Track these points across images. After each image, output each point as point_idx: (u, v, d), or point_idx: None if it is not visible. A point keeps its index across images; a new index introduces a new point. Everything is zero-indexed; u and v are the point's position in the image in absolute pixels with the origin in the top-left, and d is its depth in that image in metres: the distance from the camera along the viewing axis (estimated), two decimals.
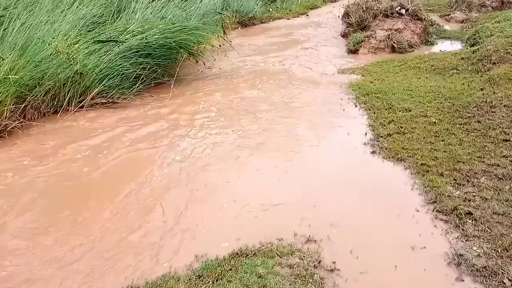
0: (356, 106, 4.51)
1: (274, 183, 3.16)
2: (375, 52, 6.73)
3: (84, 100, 4.70)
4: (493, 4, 9.09)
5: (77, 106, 4.66)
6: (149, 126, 4.17)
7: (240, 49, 7.17)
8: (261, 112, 4.46)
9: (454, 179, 3.03)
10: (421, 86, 4.83)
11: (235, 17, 9.21)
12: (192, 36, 5.55)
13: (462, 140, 3.52)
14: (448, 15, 9.09)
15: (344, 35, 7.74)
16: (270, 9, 10.60)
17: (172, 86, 5.13)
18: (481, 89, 4.47)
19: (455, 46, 6.97)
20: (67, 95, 4.67)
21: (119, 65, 4.93)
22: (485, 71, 5.02)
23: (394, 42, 6.70)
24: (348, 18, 7.77)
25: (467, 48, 6.25)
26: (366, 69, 5.78)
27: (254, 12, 9.40)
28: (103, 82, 4.80)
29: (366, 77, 5.45)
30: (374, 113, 4.24)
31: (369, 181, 3.16)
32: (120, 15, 6.48)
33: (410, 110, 4.16)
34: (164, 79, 5.37)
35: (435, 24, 8.06)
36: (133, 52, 5.09)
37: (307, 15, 10.91)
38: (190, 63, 5.80)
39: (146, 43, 5.17)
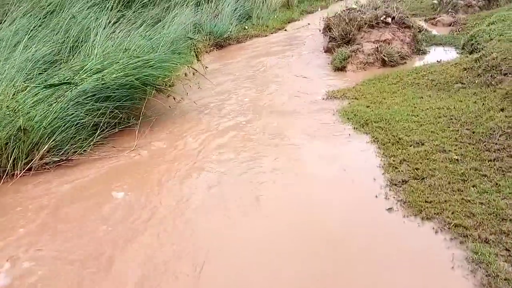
0: (355, 141, 3.71)
1: (265, 264, 2.33)
2: (364, 68, 5.96)
3: (32, 160, 3.84)
4: (480, 3, 8.42)
5: (24, 169, 3.79)
6: (106, 200, 3.29)
7: (215, 75, 6.36)
8: (238, 160, 3.63)
9: (506, 249, 2.23)
10: (427, 109, 4.05)
11: (210, 39, 8.40)
12: (158, 70, 4.71)
13: (499, 185, 2.72)
14: (434, 18, 8.40)
15: (328, 50, 6.97)
16: (246, 27, 9.82)
17: (137, 131, 4.27)
18: (501, 110, 3.69)
19: (450, 53, 6.24)
20: (11, 156, 3.80)
21: (72, 114, 4.07)
22: (496, 84, 4.26)
23: (384, 55, 5.95)
24: (330, 31, 7.01)
25: (467, 56, 5.51)
26: (359, 90, 4.99)
27: (229, 32, 8.60)
28: (54, 137, 3.93)
29: (360, 101, 4.66)
30: (380, 149, 3.44)
31: (392, 257, 2.35)
32: (79, 50, 5.66)
33: (423, 144, 3.36)
34: (130, 121, 4.52)
35: (423, 30, 7.35)
36: (88, 96, 4.23)
37: (285, 30, 10.16)
38: (157, 100, 4.92)
39: (103, 84, 4.31)
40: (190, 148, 3.96)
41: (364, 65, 5.99)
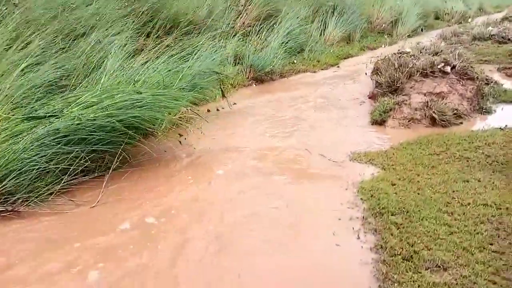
0: (355, 245, 2.63)
1: None
2: (408, 125, 4.80)
3: None
4: None
5: None
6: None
7: (236, 116, 5.53)
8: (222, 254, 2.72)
9: None
10: (468, 204, 2.86)
11: (249, 72, 7.62)
12: (149, 111, 3.94)
13: None
14: (510, 68, 6.96)
15: (372, 97, 5.87)
16: (295, 61, 8.93)
17: (104, 184, 3.51)
18: None
19: None
20: None
21: (34, 156, 3.42)
22: None
23: (434, 112, 4.75)
24: (378, 75, 5.91)
25: None
26: (390, 157, 3.87)
27: (272, 66, 7.75)
28: (6, 182, 3.30)
29: (387, 173, 3.55)
30: (384, 264, 2.35)
31: None
32: (89, 77, 5.13)
33: (445, 269, 2.22)
34: (107, 166, 3.77)
35: (491, 82, 6.00)
36: (59, 137, 3.57)
37: (338, 66, 9.12)
38: (142, 145, 4.09)
39: (78, 123, 3.63)
40: (147, 227, 3.09)
41: (409, 121, 4.83)
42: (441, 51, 6.24)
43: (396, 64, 5.41)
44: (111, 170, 3.61)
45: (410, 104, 4.98)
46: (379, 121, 4.93)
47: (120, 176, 3.66)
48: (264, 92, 7.12)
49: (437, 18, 16.89)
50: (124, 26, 6.33)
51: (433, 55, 5.97)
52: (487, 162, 3.54)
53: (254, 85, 7.58)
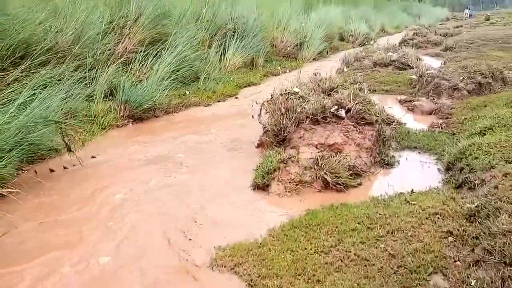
0: None
1: None
2: (296, 189, 3.59)
3: None
4: (469, 86, 6.18)
5: None
6: None
7: (86, 179, 3.99)
8: None
9: None
10: None
11: (124, 109, 6.10)
12: None
13: None
14: (411, 101, 6.15)
15: (261, 145, 4.65)
16: (187, 91, 7.56)
17: None
18: None
19: (428, 171, 3.92)
20: None
21: None
22: None
23: (326, 173, 3.60)
24: (270, 117, 4.69)
25: (453, 193, 3.17)
26: (264, 258, 2.60)
27: (154, 100, 6.28)
28: None
29: None
30: None
31: None
32: None
33: None
34: None
35: (393, 121, 5.06)
36: None
37: (236, 97, 7.89)
38: None
39: None
40: None
41: (297, 185, 3.63)
42: (337, 86, 5.22)
43: (282, 108, 4.23)
44: None
45: (299, 160, 3.79)
46: (261, 186, 3.67)
47: None
48: (140, 134, 5.63)
49: (342, 39, 16.55)
50: None
51: (328, 93, 4.91)
52: (392, 268, 2.39)
53: (131, 125, 6.06)
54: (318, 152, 3.88)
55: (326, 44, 13.16)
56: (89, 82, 6.31)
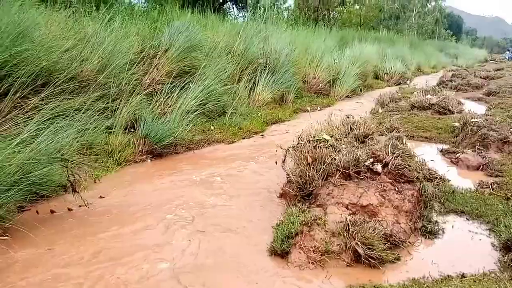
0: None
1: None
2: (320, 261, 3.00)
3: None
4: None
5: None
6: None
7: (88, 226, 3.54)
8: None
9: None
10: None
11: (144, 143, 5.72)
12: None
13: None
14: (455, 153, 5.46)
15: (283, 195, 4.10)
16: (213, 126, 7.16)
17: None
18: None
19: (478, 244, 3.25)
20: None
21: None
22: None
23: (357, 243, 2.99)
24: (295, 163, 4.15)
25: None
26: None
27: (175, 136, 5.87)
28: None
29: None
30: None
31: None
32: None
33: None
34: None
35: (435, 177, 4.41)
36: None
37: (262, 135, 7.42)
38: None
39: None
40: None
41: (322, 255, 3.02)
42: (372, 133, 4.65)
43: (309, 158, 3.68)
44: None
45: (325, 224, 3.20)
46: (280, 252, 3.10)
47: None
48: (157, 172, 5.21)
49: (376, 77, 15.97)
50: None
51: (362, 140, 4.35)
52: None
53: (149, 161, 5.66)
54: (349, 214, 3.29)
55: (360, 81, 12.62)
56: (111, 114, 6.00)
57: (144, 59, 7.48)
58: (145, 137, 5.71)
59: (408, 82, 14.91)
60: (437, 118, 7.68)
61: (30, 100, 5.31)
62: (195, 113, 6.68)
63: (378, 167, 3.63)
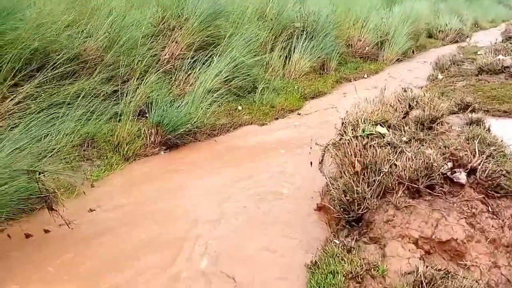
0: None
1: None
2: None
3: None
4: None
5: None
6: None
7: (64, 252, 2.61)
8: None
9: None
10: None
11: (156, 133, 4.72)
12: None
13: None
14: None
15: (321, 209, 2.94)
16: (240, 106, 6.01)
17: None
18: None
19: None
20: None
21: None
22: None
23: None
24: (337, 164, 2.95)
25: None
26: None
27: (190, 123, 4.80)
28: None
29: None
30: None
31: None
32: None
33: None
34: None
35: None
36: None
37: (299, 114, 6.19)
38: None
39: None
40: None
41: None
42: (442, 115, 3.34)
43: (356, 163, 2.46)
44: None
45: (384, 276, 2.03)
46: None
47: None
48: (170, 168, 4.23)
49: (429, 36, 13.91)
50: None
51: (428, 126, 3.05)
52: None
53: (163, 153, 4.67)
54: (420, 255, 2.09)
55: (411, 42, 10.83)
56: (120, 98, 5.01)
57: (164, 31, 6.37)
58: (158, 125, 4.69)
59: (467, 39, 12.77)
60: None
61: (21, 88, 4.42)
62: (218, 92, 5.55)
63: (461, 176, 2.35)
